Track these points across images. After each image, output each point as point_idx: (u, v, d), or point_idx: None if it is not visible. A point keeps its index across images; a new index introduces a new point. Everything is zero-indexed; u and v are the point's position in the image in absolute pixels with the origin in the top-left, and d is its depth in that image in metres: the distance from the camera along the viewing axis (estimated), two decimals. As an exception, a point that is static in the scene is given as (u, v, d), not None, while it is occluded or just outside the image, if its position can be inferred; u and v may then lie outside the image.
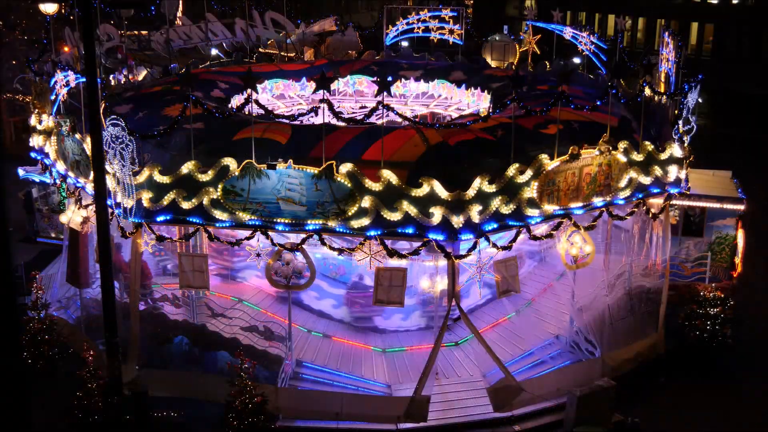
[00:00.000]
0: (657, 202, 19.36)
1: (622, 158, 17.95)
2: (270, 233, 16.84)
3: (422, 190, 16.12)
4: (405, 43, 30.58)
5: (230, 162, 16.46)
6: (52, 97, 19.07)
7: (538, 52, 27.87)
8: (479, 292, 19.31)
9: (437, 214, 16.15)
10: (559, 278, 21.11)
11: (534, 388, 17.42)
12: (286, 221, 16.55)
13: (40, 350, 18.74)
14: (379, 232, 16.35)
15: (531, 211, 16.91)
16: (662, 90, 20.65)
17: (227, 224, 16.92)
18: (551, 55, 26.69)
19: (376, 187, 16.09)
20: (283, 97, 26.94)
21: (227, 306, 19.32)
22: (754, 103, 49.02)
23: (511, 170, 16.58)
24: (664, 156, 18.68)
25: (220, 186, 16.56)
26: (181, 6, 31.15)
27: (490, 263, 17.45)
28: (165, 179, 16.89)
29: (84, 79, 15.73)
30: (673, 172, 18.89)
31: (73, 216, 19.30)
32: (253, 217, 16.67)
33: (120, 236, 17.98)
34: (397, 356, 18.75)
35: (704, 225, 21.69)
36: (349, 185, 16.06)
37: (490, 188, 16.44)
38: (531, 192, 16.76)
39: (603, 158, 17.62)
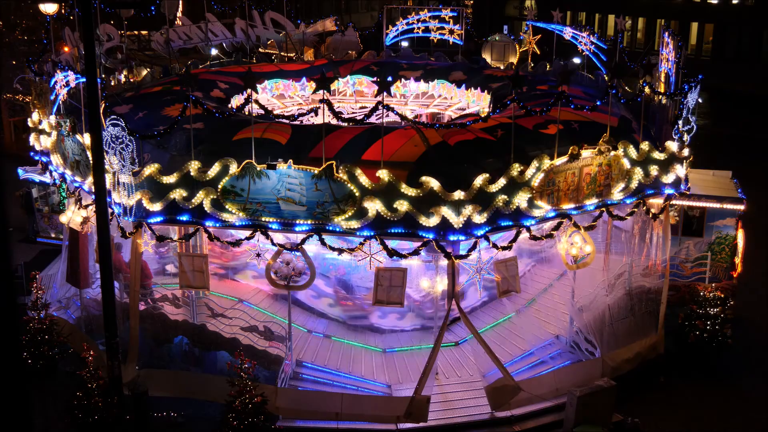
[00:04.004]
0: (657, 202, 19.36)
1: (622, 158, 17.96)
2: (270, 233, 16.85)
3: (422, 190, 16.12)
4: (405, 43, 30.54)
5: (230, 162, 16.47)
6: (52, 97, 19.07)
7: (538, 52, 27.83)
8: (479, 292, 19.30)
9: (437, 214, 16.15)
10: (558, 278, 21.11)
11: (533, 388, 17.41)
12: (287, 221, 16.55)
13: (40, 350, 18.72)
14: (379, 233, 16.35)
15: (531, 211, 16.92)
16: (662, 90, 20.64)
17: (227, 224, 16.92)
18: (551, 55, 26.66)
19: (376, 187, 16.10)
20: (283, 97, 26.93)
21: (227, 306, 19.32)
22: (754, 103, 49.01)
23: (511, 170, 16.58)
24: (664, 156, 18.68)
25: (220, 186, 16.56)
26: (181, 6, 31.07)
27: (490, 263, 17.46)
28: (165, 179, 16.90)
29: (84, 79, 15.73)
30: (673, 172, 18.89)
31: (73, 216, 19.29)
32: (253, 217, 16.67)
33: (120, 236, 17.98)
34: (397, 356, 18.76)
35: (704, 225, 21.67)
36: (349, 185, 16.06)
37: (490, 188, 16.44)
38: (531, 192, 16.76)
39: (603, 158, 17.62)
